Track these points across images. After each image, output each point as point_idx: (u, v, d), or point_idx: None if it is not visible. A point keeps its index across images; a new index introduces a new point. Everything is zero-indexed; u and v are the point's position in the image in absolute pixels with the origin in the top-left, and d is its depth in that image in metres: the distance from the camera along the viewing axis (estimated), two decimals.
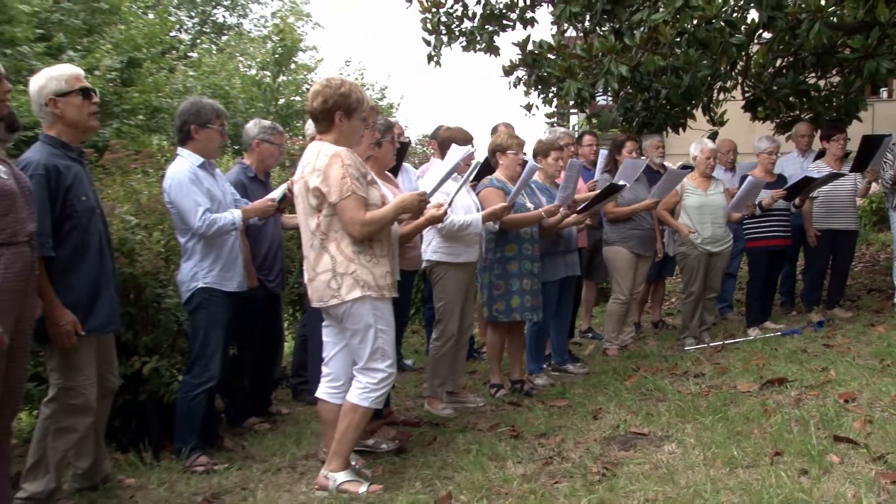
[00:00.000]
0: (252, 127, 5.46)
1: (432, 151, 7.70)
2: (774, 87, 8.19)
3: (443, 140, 5.77)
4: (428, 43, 9.27)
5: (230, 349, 4.95)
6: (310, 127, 4.87)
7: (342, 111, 3.90)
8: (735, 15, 7.20)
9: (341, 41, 44.04)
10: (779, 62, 8.34)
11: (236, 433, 5.17)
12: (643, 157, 7.15)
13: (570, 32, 8.82)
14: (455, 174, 4.75)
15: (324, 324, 4.11)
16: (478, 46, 9.15)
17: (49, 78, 3.77)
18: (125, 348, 4.56)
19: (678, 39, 7.17)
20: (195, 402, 4.50)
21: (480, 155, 5.62)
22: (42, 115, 3.81)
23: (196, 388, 4.50)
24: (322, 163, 3.81)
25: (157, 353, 4.70)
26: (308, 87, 18.17)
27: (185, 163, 4.50)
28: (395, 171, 5.39)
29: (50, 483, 3.73)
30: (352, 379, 3.97)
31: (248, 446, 4.90)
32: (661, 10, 6.86)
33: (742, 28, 7.29)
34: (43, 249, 3.57)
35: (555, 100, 9.09)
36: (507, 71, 8.67)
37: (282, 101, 14.94)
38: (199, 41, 23.62)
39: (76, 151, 3.89)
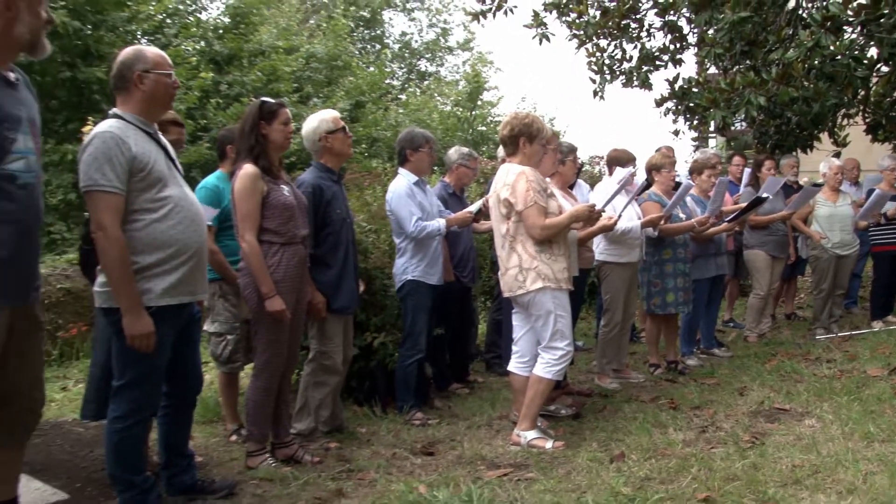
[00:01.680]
0: (453, 153, 6.09)
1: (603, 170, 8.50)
2: (892, 114, 8.56)
3: (610, 159, 6.30)
4: (593, 81, 10.10)
5: (435, 329, 5.54)
6: (500, 151, 5.54)
7: (525, 137, 4.49)
8: (857, 52, 7.52)
9: (518, 81, 47.25)
10: None
11: (443, 396, 5.76)
12: (781, 175, 7.52)
13: (712, 70, 9.35)
14: (623, 189, 5.17)
15: (513, 311, 4.68)
16: (634, 83, 9.88)
17: (321, 120, 4.59)
18: (360, 326, 5.16)
19: (808, 74, 7.63)
20: (409, 369, 5.12)
21: (641, 172, 6.13)
22: (314, 148, 4.61)
23: (409, 358, 5.12)
24: (511, 179, 4.39)
25: (383, 330, 5.28)
26: (492, 119, 19.62)
27: (403, 180, 5.18)
28: (572, 186, 5.83)
29: (310, 423, 4.57)
30: (537, 356, 4.49)
31: (453, 406, 5.48)
32: (792, 50, 7.29)
33: (864, 63, 7.60)
34: (308, 248, 4.31)
35: (699, 126, 9.71)
36: (659, 102, 9.46)
37: (474, 130, 16.39)
38: (406, 86, 25.88)
39: (336, 175, 4.64)
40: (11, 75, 2.83)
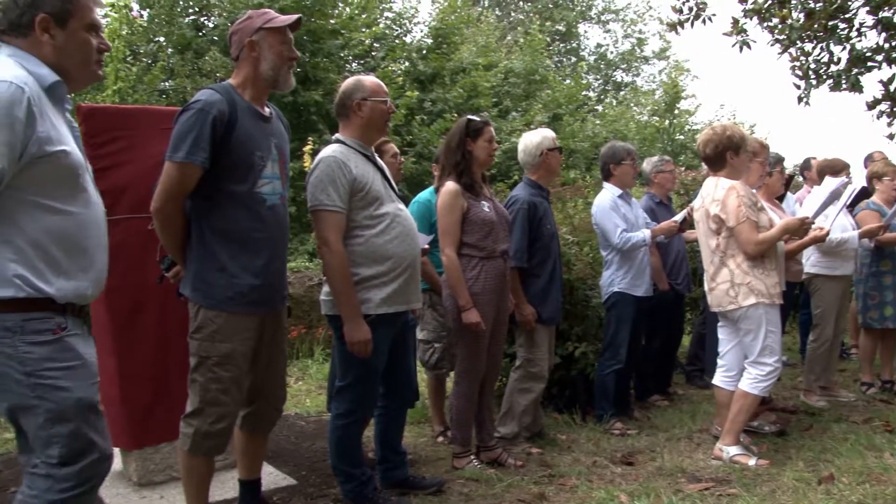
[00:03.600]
0: (646, 165, 6.03)
1: (802, 180, 7.90)
2: None
3: (821, 169, 5.94)
4: (798, 87, 9.41)
5: (640, 339, 5.48)
6: None
7: (731, 150, 4.34)
8: None
9: (716, 89, 44.77)
10: None
11: (643, 406, 5.65)
12: None
13: None
14: (834, 199, 4.87)
15: (719, 324, 4.53)
16: (843, 86, 9.10)
17: (544, 137, 4.69)
18: (561, 335, 5.17)
19: None
20: (608, 378, 5.08)
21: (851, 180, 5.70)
22: (533, 163, 4.70)
23: (608, 368, 5.08)
24: (720, 194, 4.26)
25: (584, 340, 5.27)
26: (689, 128, 18.97)
27: (607, 194, 5.18)
28: (781, 197, 5.58)
29: (514, 428, 4.64)
30: (743, 370, 4.33)
31: (653, 417, 5.37)
32: None
33: None
34: (521, 262, 4.47)
35: None
36: (871, 105, 8.59)
37: (673, 141, 15.97)
38: (603, 97, 25.78)
39: (546, 191, 4.75)
40: (266, 110, 3.19)
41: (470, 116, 4.32)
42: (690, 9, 9.53)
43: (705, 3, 8.96)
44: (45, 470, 2.17)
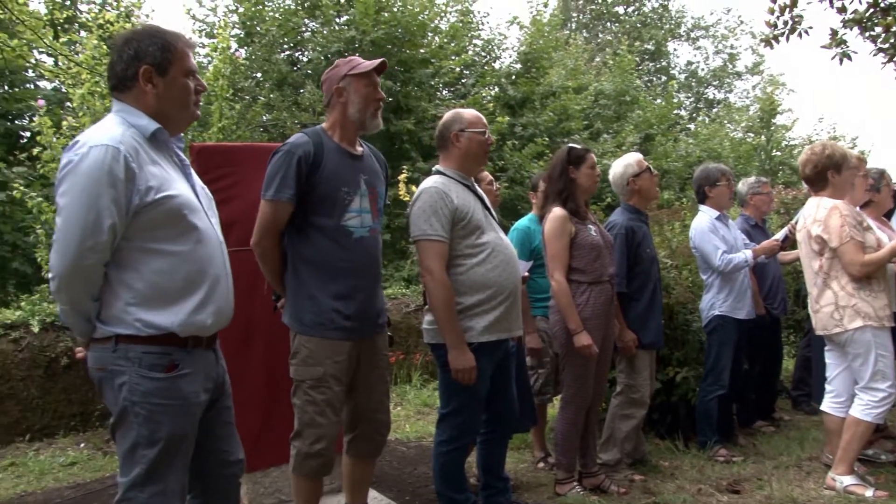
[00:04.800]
0: (742, 186, 5.90)
1: None
2: None
3: None
4: None
5: (742, 364, 5.36)
6: None
7: (832, 169, 4.26)
8: None
9: (813, 102, 43.19)
10: None
11: (747, 433, 5.49)
12: None
13: None
14: None
15: (826, 348, 4.40)
16: None
17: (626, 165, 4.67)
18: (662, 360, 5.14)
19: None
20: (710, 404, 4.98)
21: None
22: (622, 192, 4.71)
23: (710, 393, 4.98)
24: (822, 215, 4.18)
25: (685, 365, 5.19)
26: (787, 144, 18.46)
27: (704, 216, 5.11)
28: (889, 213, 5.37)
29: (616, 454, 4.58)
30: (853, 396, 4.20)
31: (758, 444, 5.23)
32: None
33: None
34: (621, 286, 4.44)
35: None
36: None
37: (771, 159, 15.56)
38: (695, 115, 25.46)
39: (644, 215, 4.73)
40: (358, 149, 3.38)
41: (571, 145, 4.36)
42: (785, 22, 9.27)
43: (801, 16, 8.73)
44: (123, 493, 2.35)
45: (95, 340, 2.39)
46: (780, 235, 5.25)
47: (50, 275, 2.34)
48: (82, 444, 5.96)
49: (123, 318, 2.34)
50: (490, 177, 4.59)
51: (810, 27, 9.19)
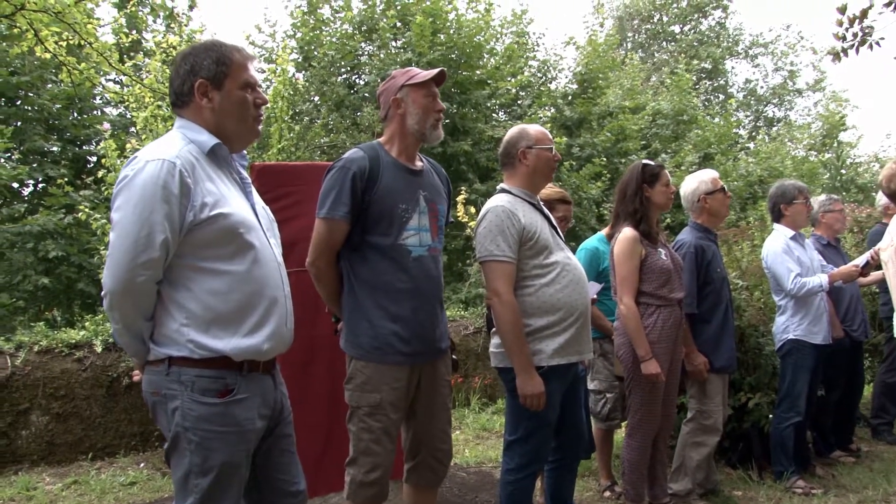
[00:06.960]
0: (813, 203, 5.61)
1: None
2: None
3: None
4: None
5: (819, 390, 5.12)
6: (881, 198, 5.06)
7: None
8: None
9: (880, 118, 42.10)
10: None
11: (825, 463, 5.25)
12: None
13: None
14: None
15: None
16: None
17: (700, 181, 4.53)
18: (733, 385, 4.89)
19: None
20: (785, 432, 4.76)
21: None
22: (693, 208, 4.55)
23: (785, 420, 4.77)
24: None
25: (758, 390, 4.96)
26: (852, 161, 17.97)
27: (779, 236, 4.92)
28: None
29: (687, 484, 4.40)
30: None
31: (838, 476, 4.98)
32: None
33: None
34: (691, 307, 4.29)
35: None
36: None
37: (841, 176, 15.13)
38: (755, 134, 24.98)
39: (713, 234, 4.56)
40: (418, 164, 3.25)
41: (645, 161, 4.23)
42: (855, 34, 8.99)
43: (872, 27, 8.46)
44: None
45: (150, 363, 2.32)
46: (860, 261, 5.04)
47: (103, 292, 2.28)
48: (142, 464, 5.97)
49: (176, 339, 2.26)
50: (569, 198, 4.51)
51: (882, 38, 8.91)
